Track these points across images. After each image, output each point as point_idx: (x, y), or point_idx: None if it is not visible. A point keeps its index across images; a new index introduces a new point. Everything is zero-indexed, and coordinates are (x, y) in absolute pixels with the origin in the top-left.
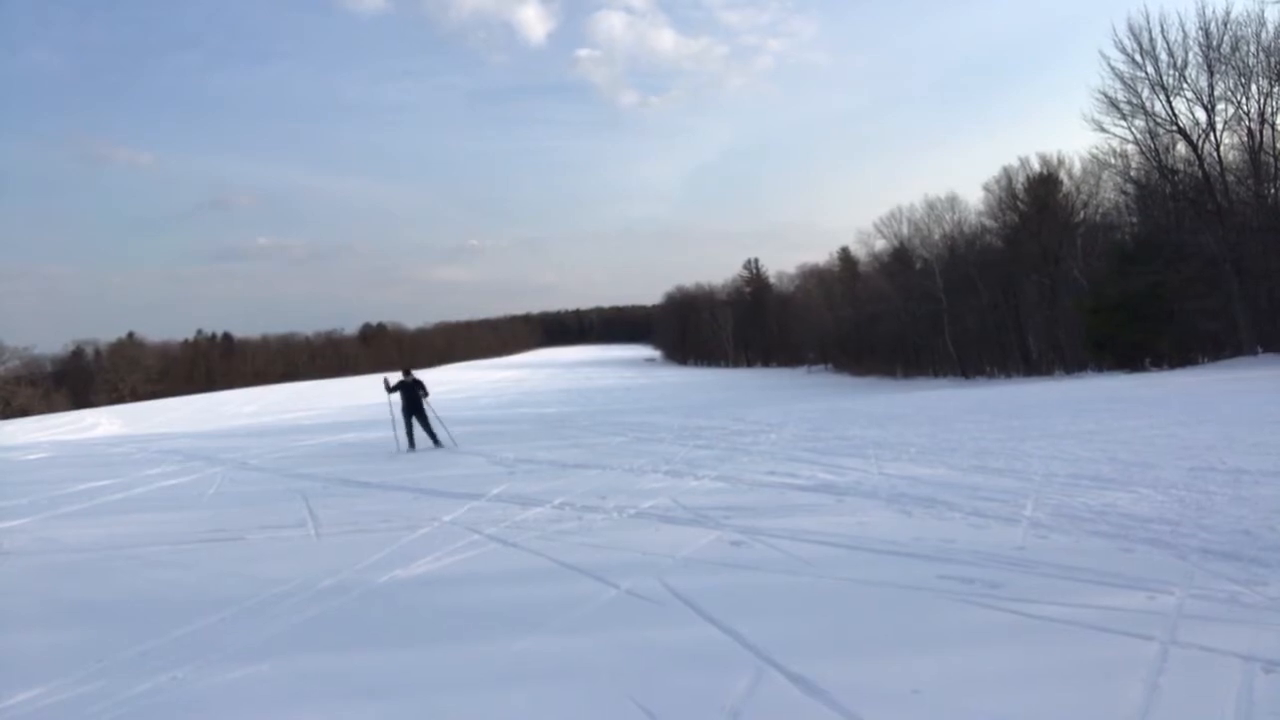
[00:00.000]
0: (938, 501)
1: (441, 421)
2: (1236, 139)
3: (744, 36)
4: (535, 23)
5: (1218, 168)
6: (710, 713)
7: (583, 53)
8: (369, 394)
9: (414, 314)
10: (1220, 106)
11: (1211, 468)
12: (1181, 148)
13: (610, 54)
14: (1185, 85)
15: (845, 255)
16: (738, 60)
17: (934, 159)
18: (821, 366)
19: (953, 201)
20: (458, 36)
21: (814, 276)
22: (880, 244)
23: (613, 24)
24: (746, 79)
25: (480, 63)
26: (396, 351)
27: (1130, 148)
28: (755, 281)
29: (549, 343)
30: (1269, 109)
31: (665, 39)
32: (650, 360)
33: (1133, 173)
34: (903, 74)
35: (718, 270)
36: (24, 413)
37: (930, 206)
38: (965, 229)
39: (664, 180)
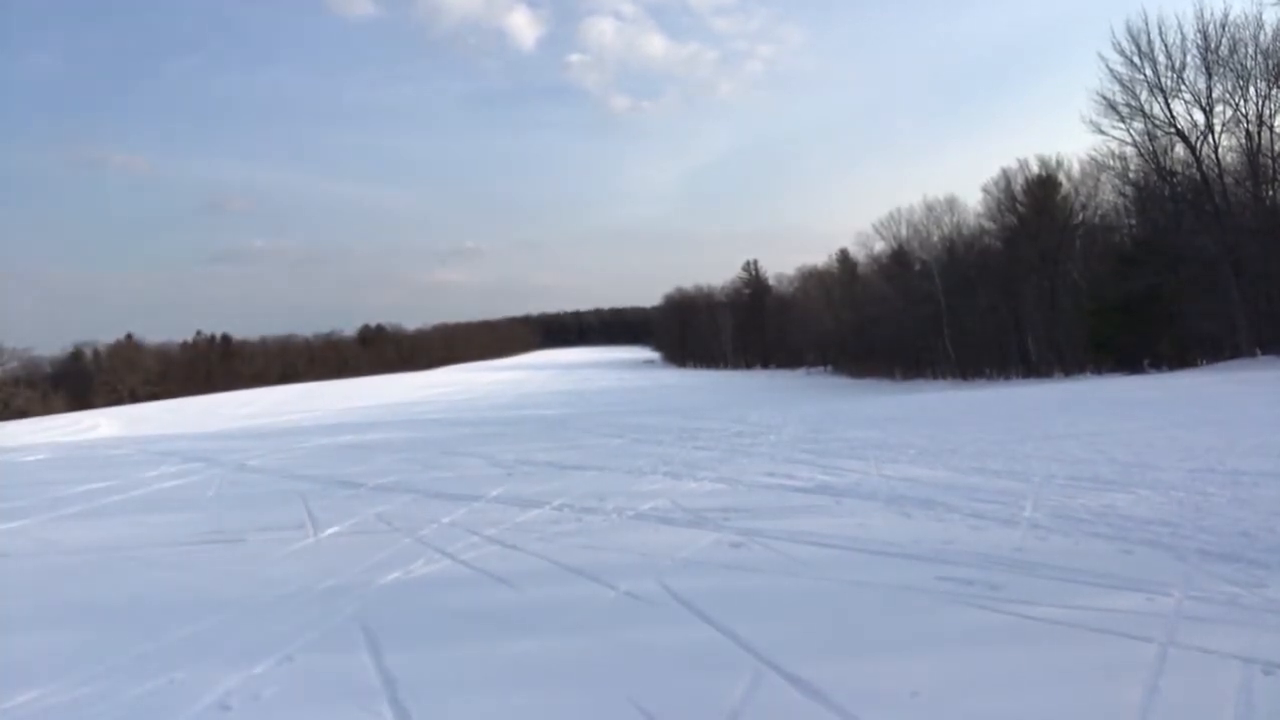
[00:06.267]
0: (937, 503)
1: None
2: (1235, 141)
3: (733, 42)
4: (525, 28)
5: (1216, 170)
6: (709, 714)
7: (574, 58)
8: (367, 396)
9: (412, 316)
10: (1218, 109)
11: (1211, 469)
12: (1180, 150)
13: (601, 59)
14: (1183, 87)
15: (844, 257)
16: (728, 65)
17: (932, 161)
18: (820, 368)
19: (951, 203)
20: (449, 41)
21: (813, 278)
22: (879, 246)
23: (603, 30)
24: (738, 84)
25: (473, 67)
26: (396, 353)
27: (1129, 150)
28: (754, 283)
29: (548, 344)
30: (1267, 111)
31: (655, 45)
32: (649, 362)
33: (1131, 174)
34: (898, 77)
35: (716, 272)
36: (23, 414)
37: (929, 208)
38: (964, 231)
39: (661, 182)
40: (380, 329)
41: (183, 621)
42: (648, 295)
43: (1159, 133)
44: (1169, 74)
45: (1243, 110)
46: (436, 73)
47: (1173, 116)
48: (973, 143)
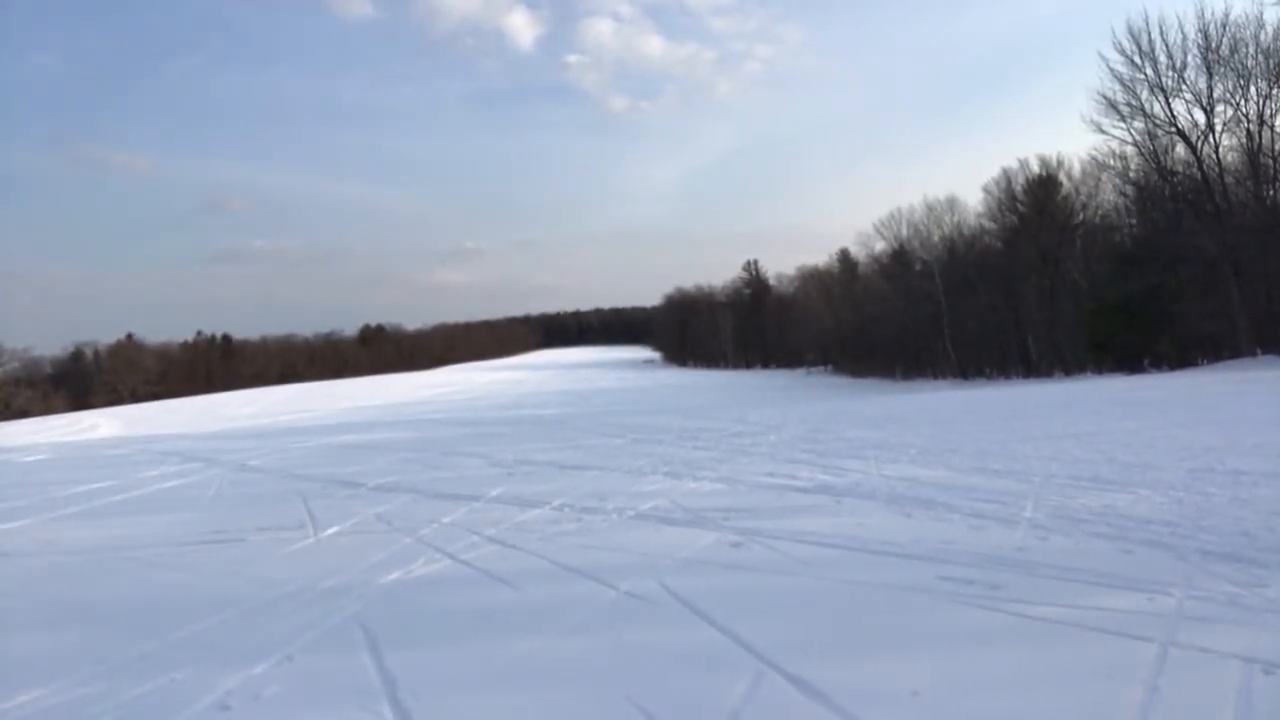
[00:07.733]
0: (937, 503)
1: None
2: (1235, 140)
3: (731, 42)
4: (524, 29)
5: (1216, 169)
6: (709, 714)
7: (572, 58)
8: (367, 396)
9: (412, 316)
10: (1219, 108)
11: (1211, 469)
12: (1180, 149)
13: (599, 59)
14: (1184, 87)
15: (844, 257)
16: (727, 65)
17: (932, 161)
18: (821, 368)
19: (952, 203)
20: (448, 42)
21: (813, 278)
22: (879, 245)
23: (601, 30)
24: (737, 84)
25: (472, 67)
26: (396, 353)
27: (1129, 149)
28: (754, 283)
29: (548, 344)
30: (1268, 110)
31: (653, 45)
32: (650, 362)
33: (1132, 174)
34: (898, 77)
35: (716, 272)
36: (23, 414)
37: (929, 208)
38: (964, 231)
39: (661, 182)
40: (380, 329)
41: (183, 621)
42: (648, 295)
43: (1159, 132)
44: (1170, 73)
45: (1243, 110)
46: (436, 73)
47: (1173, 116)
48: (973, 143)
